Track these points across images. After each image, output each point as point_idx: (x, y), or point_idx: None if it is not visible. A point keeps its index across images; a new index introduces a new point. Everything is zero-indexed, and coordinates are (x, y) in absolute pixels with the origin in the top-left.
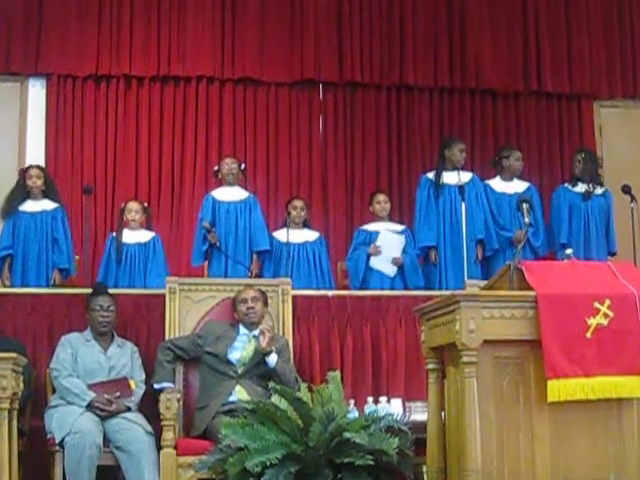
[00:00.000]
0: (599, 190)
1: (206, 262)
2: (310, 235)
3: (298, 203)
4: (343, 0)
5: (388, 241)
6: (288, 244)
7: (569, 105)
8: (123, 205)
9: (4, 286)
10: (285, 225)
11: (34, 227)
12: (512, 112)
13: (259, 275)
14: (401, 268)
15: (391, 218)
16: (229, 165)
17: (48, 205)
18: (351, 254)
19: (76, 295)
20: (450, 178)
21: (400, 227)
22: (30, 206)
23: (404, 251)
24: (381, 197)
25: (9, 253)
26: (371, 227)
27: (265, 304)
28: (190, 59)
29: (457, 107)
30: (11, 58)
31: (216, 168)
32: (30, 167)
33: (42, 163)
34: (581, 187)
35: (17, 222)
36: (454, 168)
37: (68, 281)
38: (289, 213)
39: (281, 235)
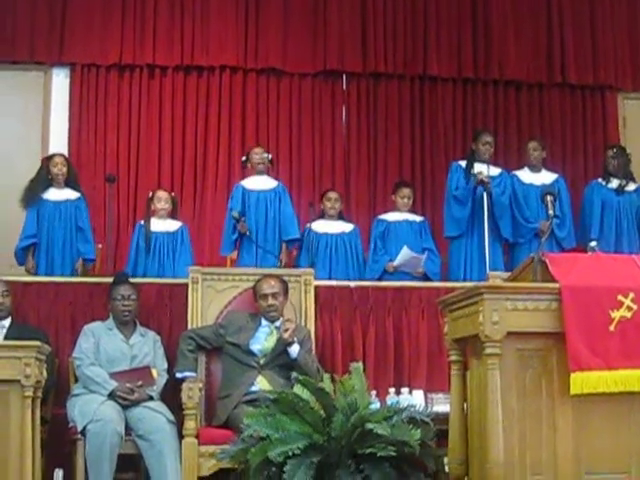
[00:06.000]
0: (632, 186)
1: (235, 252)
2: (346, 227)
3: (332, 195)
4: None
5: (408, 260)
6: (318, 235)
7: (593, 97)
8: (151, 194)
9: (29, 274)
10: (321, 216)
11: (58, 216)
12: (535, 103)
13: (289, 264)
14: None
15: (412, 209)
16: (259, 155)
17: (71, 194)
18: (373, 255)
19: (99, 284)
20: (479, 170)
21: (419, 218)
22: (54, 194)
23: (426, 267)
24: (406, 191)
25: (34, 242)
26: (390, 217)
27: (285, 294)
28: (213, 49)
29: (480, 98)
30: (35, 47)
31: (244, 158)
32: (54, 155)
33: (65, 152)
34: (614, 183)
35: (41, 210)
36: (482, 161)
37: (91, 270)
38: (323, 204)
39: (317, 226)
